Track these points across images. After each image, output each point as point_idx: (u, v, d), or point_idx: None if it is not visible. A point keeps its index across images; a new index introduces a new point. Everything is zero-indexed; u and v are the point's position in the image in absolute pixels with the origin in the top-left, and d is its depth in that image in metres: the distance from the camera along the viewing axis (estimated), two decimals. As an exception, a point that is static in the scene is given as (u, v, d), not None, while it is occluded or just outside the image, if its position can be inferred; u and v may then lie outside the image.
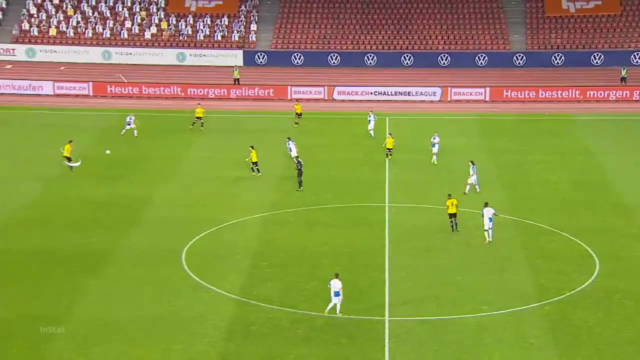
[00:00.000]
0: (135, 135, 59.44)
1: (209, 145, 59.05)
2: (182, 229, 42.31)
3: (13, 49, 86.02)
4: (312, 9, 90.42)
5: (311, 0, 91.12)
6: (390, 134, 55.96)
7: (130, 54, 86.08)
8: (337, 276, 33.51)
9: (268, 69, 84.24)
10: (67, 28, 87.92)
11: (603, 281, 36.94)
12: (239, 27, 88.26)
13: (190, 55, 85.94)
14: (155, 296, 35.05)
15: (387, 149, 54.83)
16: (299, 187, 48.17)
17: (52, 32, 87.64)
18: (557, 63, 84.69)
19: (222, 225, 43.08)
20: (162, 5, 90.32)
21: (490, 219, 40.67)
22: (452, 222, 42.09)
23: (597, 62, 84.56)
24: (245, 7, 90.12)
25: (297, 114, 64.25)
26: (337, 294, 33.17)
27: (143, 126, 60.61)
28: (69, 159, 51.57)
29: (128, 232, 42.12)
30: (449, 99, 74.06)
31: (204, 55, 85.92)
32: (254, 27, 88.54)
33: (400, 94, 74.31)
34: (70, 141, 52.33)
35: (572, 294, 35.62)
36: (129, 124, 59.81)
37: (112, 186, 49.22)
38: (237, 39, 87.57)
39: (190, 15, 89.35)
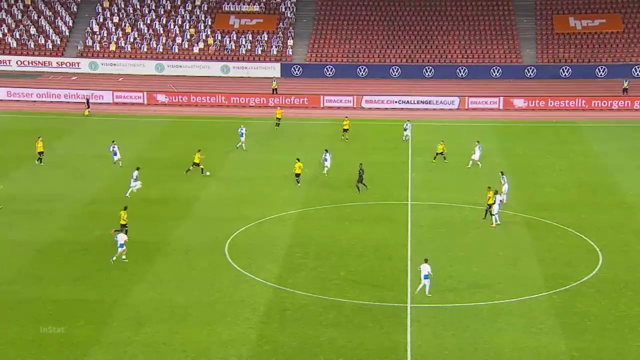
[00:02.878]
0: (245, 148, 56.99)
1: (249, 147, 58.99)
2: (225, 223, 42.35)
3: (78, 62, 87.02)
4: (343, 26, 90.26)
5: (342, 18, 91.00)
6: (442, 141, 55.13)
7: (180, 66, 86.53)
8: (426, 261, 33.39)
9: (303, 80, 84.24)
10: (125, 44, 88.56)
11: (606, 273, 36.48)
12: (277, 43, 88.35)
13: (234, 67, 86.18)
14: (201, 283, 35.14)
15: (438, 153, 54.30)
16: (359, 190, 47.14)
17: (112, 47, 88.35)
18: (565, 75, 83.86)
19: (261, 220, 43.07)
20: (209, 23, 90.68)
21: (499, 205, 41.30)
22: (487, 210, 42.52)
23: (601, 75, 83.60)
24: (283, 24, 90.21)
25: (344, 129, 61.40)
26: (426, 276, 33.07)
27: (191, 131, 60.69)
28: (197, 165, 50.51)
29: (178, 226, 42.26)
30: (466, 108, 73.51)
31: (246, 68, 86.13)
32: (290, 42, 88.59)
33: (422, 102, 73.90)
34: (199, 150, 51.48)
35: (578, 284, 35.22)
36: (242, 135, 57.41)
37: (165, 186, 49.36)
38: (275, 53, 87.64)
39: (234, 32, 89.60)
